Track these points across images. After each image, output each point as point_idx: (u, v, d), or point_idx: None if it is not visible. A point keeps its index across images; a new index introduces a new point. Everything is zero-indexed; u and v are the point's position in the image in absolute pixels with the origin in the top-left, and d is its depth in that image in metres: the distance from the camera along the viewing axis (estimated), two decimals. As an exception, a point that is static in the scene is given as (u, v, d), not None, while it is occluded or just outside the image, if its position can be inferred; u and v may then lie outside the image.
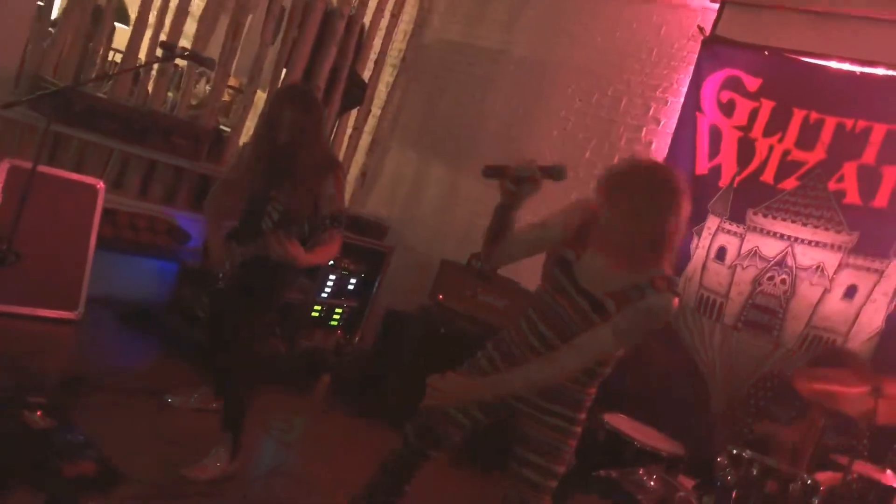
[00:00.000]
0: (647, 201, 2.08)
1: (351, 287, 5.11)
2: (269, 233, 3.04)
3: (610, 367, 2.36)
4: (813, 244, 4.06)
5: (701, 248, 4.45)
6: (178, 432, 3.47)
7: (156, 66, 4.91)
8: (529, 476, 2.32)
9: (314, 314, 4.91)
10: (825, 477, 3.09)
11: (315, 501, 3.35)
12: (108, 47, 5.31)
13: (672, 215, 2.12)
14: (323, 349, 4.86)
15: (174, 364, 4.25)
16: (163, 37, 4.94)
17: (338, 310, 5.06)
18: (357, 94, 5.85)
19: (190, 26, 5.34)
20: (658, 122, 4.88)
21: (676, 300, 2.15)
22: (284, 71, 5.59)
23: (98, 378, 3.70)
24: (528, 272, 5.13)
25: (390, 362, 4.51)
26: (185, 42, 5.44)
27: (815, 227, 4.07)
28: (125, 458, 2.99)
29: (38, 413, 2.91)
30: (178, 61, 5.51)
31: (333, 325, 5.04)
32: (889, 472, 3.01)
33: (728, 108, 4.45)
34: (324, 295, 4.96)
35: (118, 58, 6.35)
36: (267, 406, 4.17)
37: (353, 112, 6.09)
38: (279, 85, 5.53)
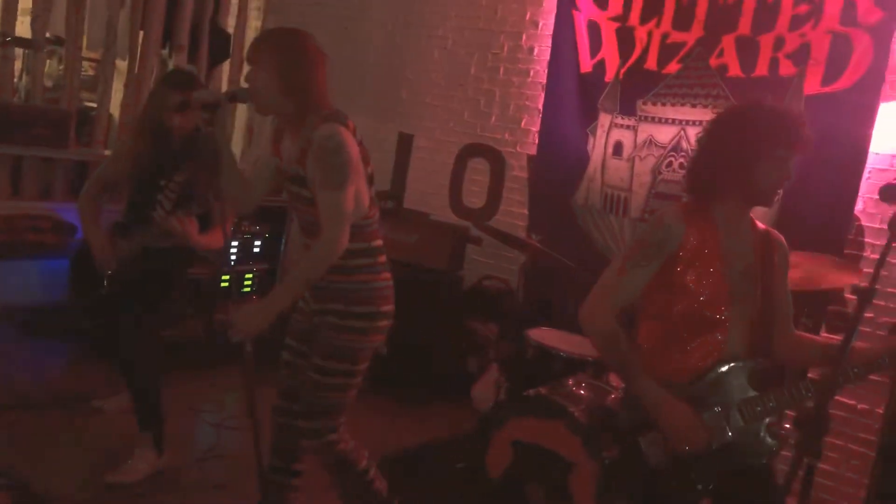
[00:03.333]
0: (279, 55, 2.24)
1: (257, 249, 4.92)
2: (164, 217, 2.95)
3: (363, 244, 2.33)
4: (704, 124, 4.06)
5: (598, 146, 4.43)
6: (105, 439, 3.33)
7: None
8: (309, 375, 2.37)
9: (224, 285, 4.73)
10: None
11: (256, 480, 3.27)
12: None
13: (305, 60, 2.27)
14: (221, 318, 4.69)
15: (91, 366, 4.03)
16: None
17: (248, 275, 4.88)
18: (222, 46, 5.53)
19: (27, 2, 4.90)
20: (536, 25, 4.76)
21: (337, 126, 2.22)
22: (142, 34, 5.22)
23: (3, 397, 3.51)
24: (437, 200, 5.08)
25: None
26: (23, 20, 5.00)
27: (704, 106, 4.07)
28: (47, 478, 2.86)
29: (-65, 454, 2.71)
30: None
31: (247, 293, 4.88)
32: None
33: (602, 0, 4.36)
34: (230, 263, 4.78)
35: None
36: (194, 390, 4.06)
37: (226, 66, 5.77)
38: (139, 51, 5.18)
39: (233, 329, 2.22)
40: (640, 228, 2.15)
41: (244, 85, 2.34)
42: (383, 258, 2.39)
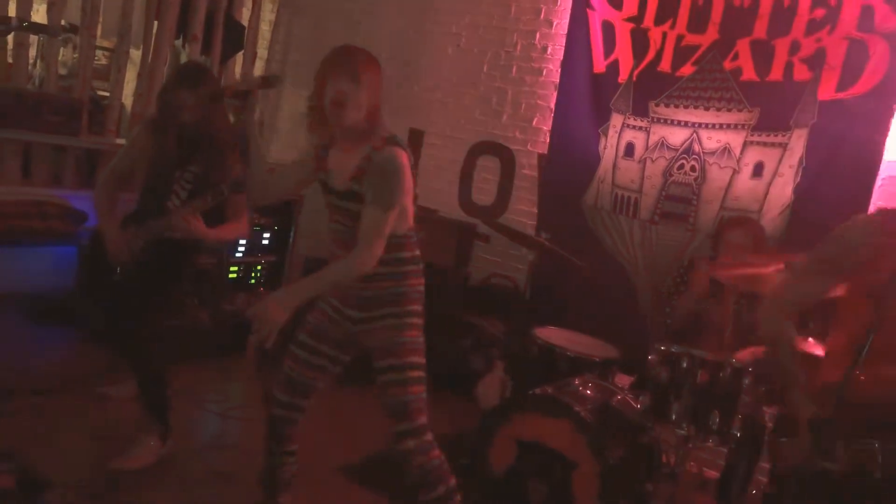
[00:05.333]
0: (378, 74, 2.36)
1: (265, 242, 4.93)
2: (178, 209, 2.97)
3: (410, 252, 2.46)
4: (716, 127, 4.06)
5: (609, 147, 4.42)
6: (110, 425, 3.33)
7: (11, 38, 4.49)
8: (389, 378, 2.45)
9: (232, 276, 4.73)
10: (744, 355, 3.14)
11: (259, 468, 3.27)
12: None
13: (367, 80, 2.32)
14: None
15: (98, 353, 4.03)
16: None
17: (256, 267, 4.89)
18: (235, 38, 5.53)
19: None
20: (551, 24, 4.75)
21: (399, 150, 2.31)
22: (156, 24, 5.23)
23: (11, 382, 3.52)
24: (446, 197, 5.07)
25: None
26: (39, 8, 5.02)
27: (717, 109, 4.06)
28: (52, 463, 2.86)
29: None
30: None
31: (254, 284, 4.88)
32: (811, 340, 3.08)
33: (617, 1, 4.35)
34: (238, 254, 4.78)
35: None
36: (199, 379, 4.06)
37: (238, 57, 5.78)
38: (153, 41, 5.19)
39: (258, 321, 2.20)
40: (830, 235, 2.12)
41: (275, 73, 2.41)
42: (421, 267, 2.53)
